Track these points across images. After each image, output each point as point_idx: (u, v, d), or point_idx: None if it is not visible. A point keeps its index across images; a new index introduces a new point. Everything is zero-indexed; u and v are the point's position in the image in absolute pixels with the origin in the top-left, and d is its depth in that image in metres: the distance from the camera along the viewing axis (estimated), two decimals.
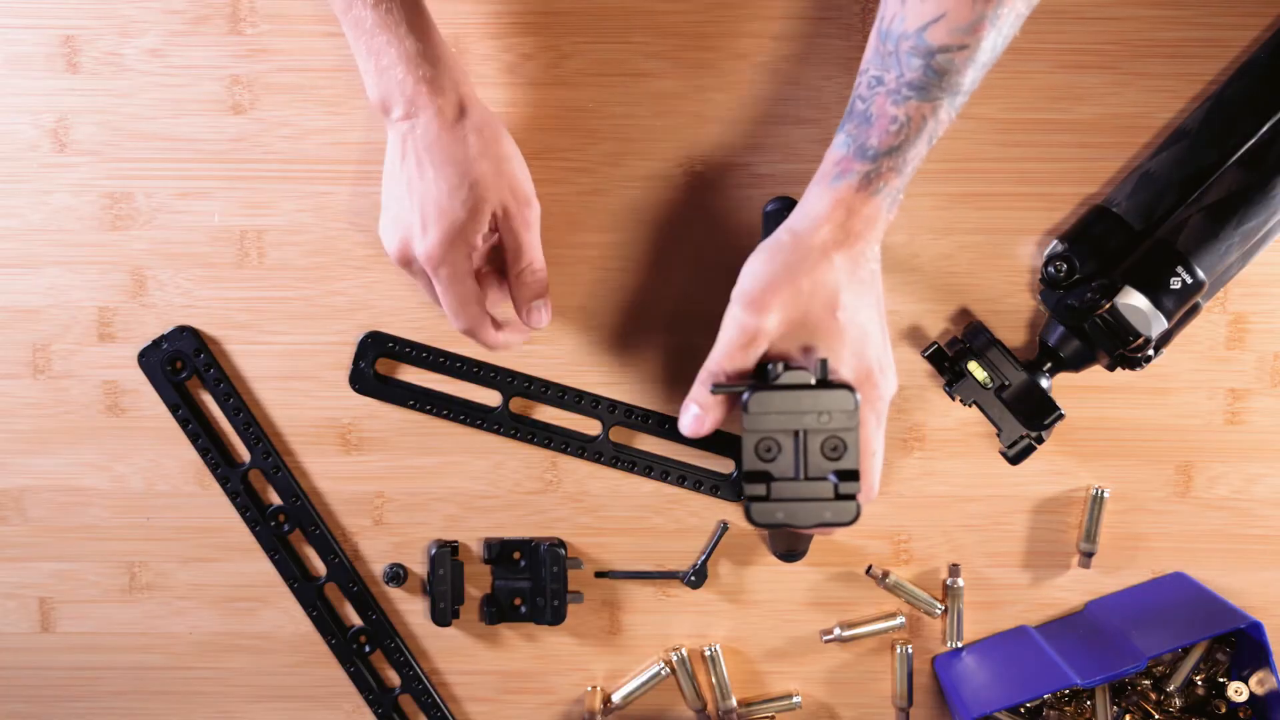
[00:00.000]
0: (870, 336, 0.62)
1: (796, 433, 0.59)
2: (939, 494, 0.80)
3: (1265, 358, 0.79)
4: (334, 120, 0.77)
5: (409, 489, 0.80)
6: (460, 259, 0.66)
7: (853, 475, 0.59)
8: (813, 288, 0.61)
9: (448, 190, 0.65)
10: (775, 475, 0.59)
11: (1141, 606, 0.78)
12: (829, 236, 0.61)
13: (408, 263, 0.68)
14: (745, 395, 0.59)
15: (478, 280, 0.68)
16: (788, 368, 0.60)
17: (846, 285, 0.61)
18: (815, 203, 0.62)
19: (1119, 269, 0.72)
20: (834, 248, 0.61)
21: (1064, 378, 0.77)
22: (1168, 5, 0.75)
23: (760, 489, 0.59)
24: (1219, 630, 0.74)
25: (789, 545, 0.76)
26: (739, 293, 0.62)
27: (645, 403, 0.79)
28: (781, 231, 0.63)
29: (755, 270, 0.62)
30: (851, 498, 0.59)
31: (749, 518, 0.60)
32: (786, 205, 0.69)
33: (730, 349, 0.62)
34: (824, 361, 0.60)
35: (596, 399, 0.79)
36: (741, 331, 0.62)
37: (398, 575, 0.79)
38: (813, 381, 0.59)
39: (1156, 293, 0.71)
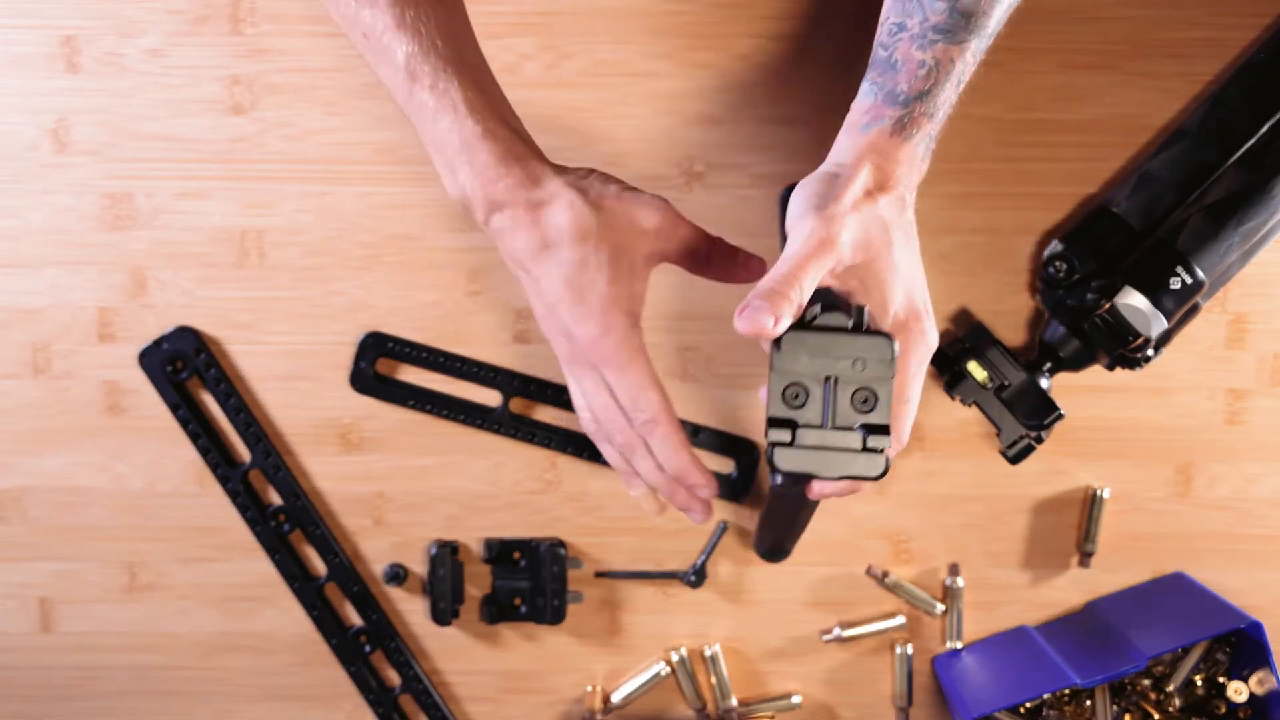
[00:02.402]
0: (920, 280, 0.60)
1: (828, 378, 0.55)
2: (939, 494, 0.80)
3: (1265, 358, 0.79)
4: (334, 120, 0.77)
5: (409, 489, 0.80)
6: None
7: (883, 429, 0.55)
8: (870, 218, 0.57)
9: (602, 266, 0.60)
10: (800, 422, 0.56)
11: (1141, 606, 0.78)
12: (870, 179, 0.58)
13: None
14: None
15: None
16: (826, 308, 0.56)
17: (896, 223, 0.59)
18: (846, 150, 0.59)
19: (1119, 269, 0.72)
20: (876, 189, 0.58)
21: (1064, 378, 0.76)
22: (1168, 5, 0.75)
23: (785, 435, 0.55)
24: (1219, 630, 0.74)
25: (775, 541, 0.75)
26: (808, 207, 0.57)
27: None
28: (819, 174, 0.59)
29: (817, 191, 0.57)
30: (880, 451, 0.55)
31: (772, 464, 0.56)
32: None
33: (801, 258, 0.55)
34: (862, 308, 0.56)
35: None
36: (819, 242, 0.56)
37: (398, 575, 0.79)
38: (849, 326, 0.55)
39: (1156, 293, 0.71)
